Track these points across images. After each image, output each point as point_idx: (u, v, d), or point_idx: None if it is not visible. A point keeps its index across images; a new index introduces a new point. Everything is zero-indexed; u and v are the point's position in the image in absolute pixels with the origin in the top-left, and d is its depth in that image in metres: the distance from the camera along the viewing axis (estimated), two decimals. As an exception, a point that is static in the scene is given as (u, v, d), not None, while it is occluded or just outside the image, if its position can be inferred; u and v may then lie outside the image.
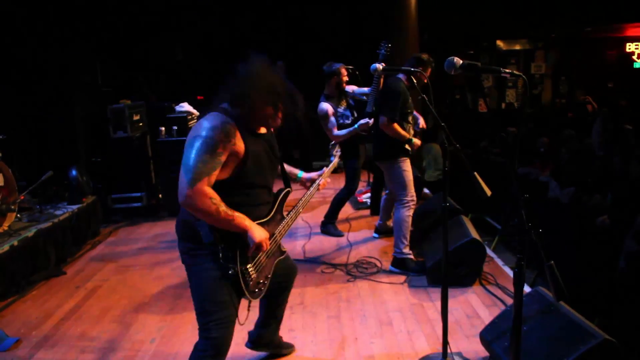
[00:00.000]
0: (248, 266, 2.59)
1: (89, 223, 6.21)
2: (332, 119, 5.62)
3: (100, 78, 7.93)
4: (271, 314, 3.31)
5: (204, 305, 2.57)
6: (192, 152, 2.32)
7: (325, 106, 5.65)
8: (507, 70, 2.26)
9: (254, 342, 3.41)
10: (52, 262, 5.26)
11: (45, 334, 4.02)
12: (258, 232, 2.55)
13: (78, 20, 7.49)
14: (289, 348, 3.60)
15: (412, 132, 5.05)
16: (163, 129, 7.17)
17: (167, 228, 6.76)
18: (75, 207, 5.96)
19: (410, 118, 5.00)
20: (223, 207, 2.40)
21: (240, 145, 2.45)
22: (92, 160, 7.28)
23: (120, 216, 7.21)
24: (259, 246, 2.56)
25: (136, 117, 7.30)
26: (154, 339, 3.89)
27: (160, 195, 7.56)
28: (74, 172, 6.17)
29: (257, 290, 2.69)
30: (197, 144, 2.33)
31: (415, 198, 4.97)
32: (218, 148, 2.36)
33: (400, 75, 4.88)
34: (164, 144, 7.15)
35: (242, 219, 2.50)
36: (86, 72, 7.56)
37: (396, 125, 4.76)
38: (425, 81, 4.76)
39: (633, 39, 15.39)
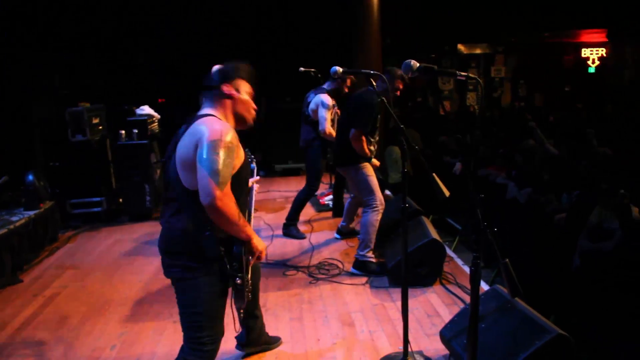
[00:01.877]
0: (248, 275, 2.60)
1: (46, 229, 6.08)
2: (328, 114, 5.65)
3: (58, 80, 7.78)
4: (252, 315, 3.35)
5: (200, 320, 2.55)
6: (214, 155, 2.30)
7: (329, 100, 5.71)
8: (463, 74, 2.30)
9: (242, 344, 3.52)
10: (8, 270, 5.12)
11: (0, 344, 3.93)
12: (259, 241, 2.60)
13: (35, 21, 7.35)
14: (276, 342, 3.69)
15: (374, 148, 5.10)
16: (123, 132, 7.08)
17: (128, 233, 6.66)
18: (32, 212, 5.82)
19: (376, 134, 5.05)
20: (240, 213, 2.43)
21: (240, 147, 2.49)
22: (50, 165, 7.13)
23: (79, 221, 7.07)
24: (259, 256, 2.61)
25: (95, 120, 7.19)
26: (114, 346, 3.83)
27: (120, 200, 7.44)
28: (30, 177, 6.03)
29: (249, 297, 2.69)
30: (220, 147, 2.32)
31: (383, 202, 5.00)
32: (234, 152, 2.39)
33: (370, 88, 4.94)
34: (125, 148, 7.05)
35: (250, 227, 2.54)
36: (43, 74, 7.41)
37: (364, 139, 4.81)
38: (398, 94, 4.84)
39: (588, 45, 15.83)
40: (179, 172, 2.41)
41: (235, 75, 2.57)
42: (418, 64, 2.37)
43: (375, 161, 5.07)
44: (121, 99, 8.57)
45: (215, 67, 2.60)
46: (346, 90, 5.83)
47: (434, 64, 2.40)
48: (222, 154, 2.31)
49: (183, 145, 2.39)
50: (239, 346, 3.52)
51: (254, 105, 2.65)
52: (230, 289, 2.63)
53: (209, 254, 2.44)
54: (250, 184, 2.95)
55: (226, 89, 2.53)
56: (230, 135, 2.37)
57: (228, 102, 2.54)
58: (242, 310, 2.74)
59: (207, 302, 2.53)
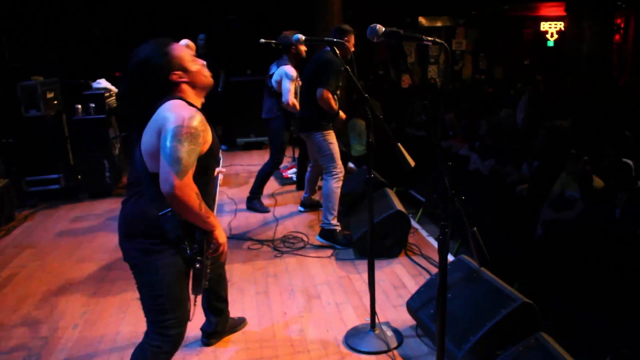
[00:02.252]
0: (208, 261, 2.51)
1: (1, 208, 5.88)
2: (292, 86, 5.57)
3: (8, 53, 7.47)
4: (219, 299, 3.28)
5: (162, 302, 2.46)
6: (176, 142, 2.19)
7: (293, 71, 5.62)
8: (429, 39, 2.26)
9: (211, 334, 3.40)
10: (-38, 249, 4.97)
11: (-44, 325, 3.80)
12: (222, 234, 2.50)
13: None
14: (242, 323, 3.62)
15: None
16: (80, 106, 6.87)
17: (88, 210, 6.51)
18: (-15, 190, 5.64)
19: (338, 92, 4.99)
20: (202, 203, 2.32)
21: (208, 132, 2.36)
22: (3, 142, 6.88)
23: (36, 199, 6.85)
24: (219, 248, 2.51)
25: (50, 95, 6.95)
26: (76, 325, 3.75)
27: (79, 177, 7.25)
28: (-18, 154, 5.83)
29: (206, 284, 2.61)
30: (182, 133, 2.20)
31: (343, 170, 4.98)
32: (199, 138, 2.27)
33: (327, 48, 4.87)
34: (82, 123, 6.84)
35: (213, 217, 2.43)
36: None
37: (331, 97, 4.76)
38: (352, 49, 4.78)
39: (547, 19, 16.02)
40: (143, 157, 2.31)
41: (168, 59, 2.35)
42: (384, 28, 2.32)
43: (342, 114, 5.03)
44: (77, 72, 8.31)
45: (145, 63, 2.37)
46: (304, 54, 5.74)
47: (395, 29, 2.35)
48: (184, 141, 2.21)
49: (148, 131, 2.29)
50: (204, 338, 3.40)
51: (201, 67, 2.47)
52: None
53: (169, 234, 2.35)
54: (215, 173, 2.86)
55: (175, 77, 2.36)
56: (195, 121, 2.25)
57: (184, 86, 2.40)
58: (195, 300, 2.66)
59: (169, 284, 2.44)
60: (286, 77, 5.59)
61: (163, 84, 2.35)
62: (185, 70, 2.38)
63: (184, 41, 5.94)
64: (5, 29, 7.49)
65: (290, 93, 5.58)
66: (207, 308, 3.31)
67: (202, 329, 3.42)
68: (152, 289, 2.45)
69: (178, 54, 2.37)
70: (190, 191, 2.24)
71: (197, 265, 2.43)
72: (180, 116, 2.23)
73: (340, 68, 4.69)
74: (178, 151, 2.19)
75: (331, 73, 4.72)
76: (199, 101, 2.46)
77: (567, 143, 5.61)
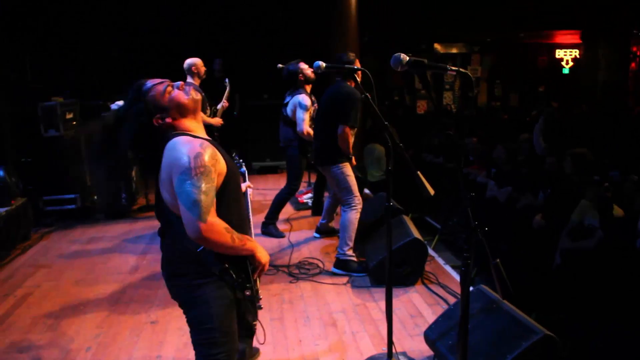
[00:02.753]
0: (257, 286, 2.48)
1: (18, 226, 5.92)
2: (306, 116, 5.59)
3: (29, 74, 7.57)
4: (248, 327, 3.16)
5: (213, 336, 2.39)
6: (189, 186, 2.13)
7: (307, 100, 5.64)
8: (454, 68, 2.26)
9: None
10: (-22, 268, 4.98)
11: (-31, 346, 3.79)
12: (263, 253, 2.44)
13: (5, 13, 7.15)
14: (256, 354, 3.54)
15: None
16: (98, 128, 6.91)
17: (103, 231, 6.52)
18: (3, 209, 5.66)
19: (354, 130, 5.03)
20: (235, 234, 2.27)
21: (222, 162, 2.29)
22: (22, 161, 6.94)
23: (52, 219, 6.90)
24: (263, 268, 2.45)
25: (69, 116, 7.01)
26: (89, 348, 3.72)
27: (95, 197, 7.29)
28: (1, 173, 5.87)
29: (260, 306, 2.56)
30: (193, 174, 2.14)
31: (361, 200, 4.97)
32: (212, 174, 2.19)
33: (339, 79, 4.91)
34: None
35: (250, 241, 2.37)
36: (13, 67, 7.20)
37: (350, 134, 4.76)
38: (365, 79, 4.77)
39: (562, 46, 16.01)
40: (166, 201, 2.28)
41: (142, 110, 2.29)
42: (408, 58, 2.31)
43: (353, 160, 5.03)
44: (95, 93, 8.39)
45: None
46: (313, 76, 5.73)
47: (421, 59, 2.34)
48: (197, 181, 2.14)
49: (164, 177, 2.24)
50: None
51: (177, 93, 2.32)
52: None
53: (213, 268, 2.30)
54: (243, 189, 2.81)
55: (157, 121, 2.30)
56: (204, 158, 2.18)
57: (172, 124, 2.31)
58: (255, 323, 2.62)
59: (219, 316, 2.38)
60: (300, 107, 5.61)
61: (153, 132, 2.30)
62: (163, 109, 2.29)
63: (191, 60, 6.03)
64: (27, 52, 7.60)
65: (305, 123, 5.61)
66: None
67: None
68: (202, 322, 2.38)
69: (150, 97, 2.29)
70: (218, 229, 2.18)
71: (247, 293, 2.39)
72: (187, 157, 2.16)
73: (360, 100, 4.71)
74: (193, 194, 2.13)
75: (352, 108, 4.72)
76: (195, 124, 2.37)
77: (590, 170, 5.56)
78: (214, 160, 2.22)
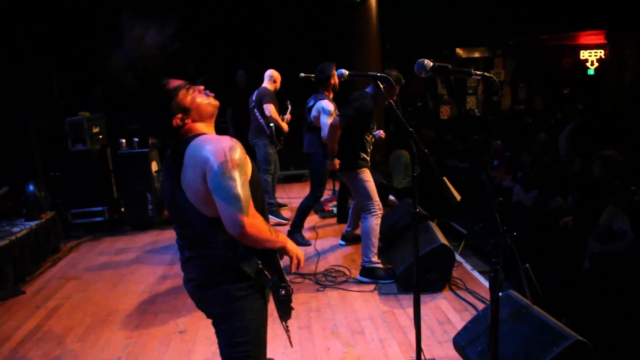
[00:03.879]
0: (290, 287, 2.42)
1: (48, 239, 6.01)
2: (330, 120, 5.61)
3: (57, 90, 7.72)
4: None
5: (247, 350, 2.35)
6: (227, 180, 2.08)
7: (330, 105, 5.64)
8: (478, 72, 2.24)
9: None
10: (10, 282, 5.06)
11: (3, 358, 3.86)
12: (294, 245, 2.44)
13: (32, 30, 7.29)
14: None
15: (370, 148, 5.08)
16: (124, 141, 7.02)
17: (130, 242, 6.60)
18: (33, 223, 5.76)
19: (371, 138, 5.07)
20: (270, 226, 2.25)
21: (248, 160, 2.26)
22: (51, 175, 7.07)
23: (81, 231, 7.01)
24: (299, 262, 2.45)
25: (95, 130, 7.13)
26: (119, 358, 3.76)
27: (122, 209, 7.39)
28: (31, 187, 5.97)
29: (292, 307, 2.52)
30: (229, 168, 2.10)
31: (381, 206, 4.96)
32: (245, 167, 2.17)
33: (369, 90, 4.92)
34: (125, 157, 6.99)
35: (280, 233, 2.35)
36: (41, 84, 7.34)
37: (338, 130, 4.83)
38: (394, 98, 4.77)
39: (587, 47, 15.83)
40: (195, 205, 2.20)
41: (165, 108, 2.26)
42: (432, 63, 2.30)
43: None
44: (121, 108, 8.50)
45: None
46: (338, 85, 5.75)
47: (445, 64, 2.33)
48: (234, 174, 2.10)
49: (190, 179, 2.17)
50: None
51: (201, 98, 2.33)
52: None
53: (249, 270, 2.25)
54: None
55: (176, 122, 2.26)
56: (237, 152, 2.15)
57: (192, 125, 2.29)
58: (288, 325, 2.60)
59: (254, 329, 2.35)
60: (323, 112, 5.61)
61: (170, 131, 2.27)
62: (184, 110, 2.26)
63: (270, 71, 6.58)
64: (53, 68, 7.74)
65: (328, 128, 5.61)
66: None
67: None
68: (236, 335, 2.33)
69: (172, 96, 2.26)
70: (259, 222, 2.15)
71: (282, 292, 2.34)
72: (220, 151, 2.12)
73: (371, 110, 4.75)
74: (233, 188, 2.08)
75: (356, 114, 4.79)
76: (210, 130, 2.35)
77: (620, 172, 5.47)
78: (244, 155, 2.19)
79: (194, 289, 2.37)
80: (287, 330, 2.56)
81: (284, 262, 2.36)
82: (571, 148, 7.86)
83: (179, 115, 2.25)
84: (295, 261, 2.43)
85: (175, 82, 2.30)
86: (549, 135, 8.15)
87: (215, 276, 2.29)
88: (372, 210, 4.88)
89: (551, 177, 6.41)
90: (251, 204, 2.13)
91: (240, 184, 2.09)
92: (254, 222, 2.10)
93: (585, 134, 8.68)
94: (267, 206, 2.65)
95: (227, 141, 2.16)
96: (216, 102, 2.37)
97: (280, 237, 2.33)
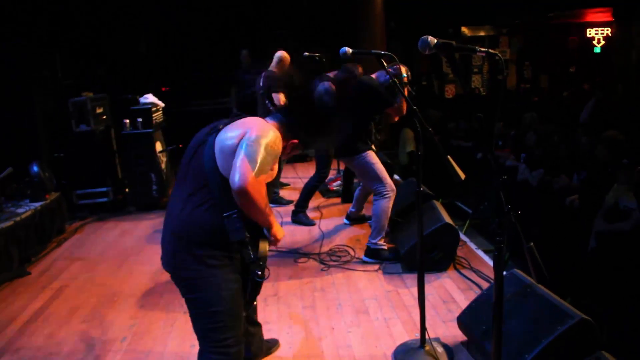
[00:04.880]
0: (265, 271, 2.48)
1: (53, 220, 6.02)
2: None
3: (60, 71, 7.68)
4: (253, 323, 3.13)
5: (222, 319, 2.39)
6: (259, 147, 2.25)
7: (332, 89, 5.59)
8: (483, 49, 2.21)
9: (248, 358, 3.14)
10: (16, 263, 5.07)
11: (9, 338, 3.87)
12: (279, 229, 2.51)
13: (36, 12, 7.25)
14: (275, 345, 3.51)
15: (374, 135, 5.06)
16: (127, 121, 6.99)
17: (135, 223, 6.61)
18: (38, 204, 5.76)
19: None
20: (267, 202, 2.35)
21: (276, 164, 2.42)
22: (55, 156, 7.06)
23: (86, 212, 7.00)
24: (276, 242, 2.52)
25: (99, 110, 7.10)
26: (125, 338, 3.78)
27: (126, 190, 7.39)
28: (35, 168, 5.96)
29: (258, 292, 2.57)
30: (265, 145, 2.28)
31: (393, 187, 4.87)
32: (276, 158, 2.34)
33: (376, 75, 4.86)
34: (129, 137, 6.97)
35: (273, 216, 2.45)
36: (45, 65, 7.30)
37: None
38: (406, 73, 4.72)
39: (593, 25, 15.62)
40: (217, 161, 2.31)
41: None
42: (435, 40, 2.26)
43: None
44: (125, 88, 8.49)
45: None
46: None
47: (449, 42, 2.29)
48: (264, 149, 2.25)
49: (228, 133, 2.32)
50: None
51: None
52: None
53: (234, 237, 2.29)
54: None
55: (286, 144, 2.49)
56: (274, 138, 2.33)
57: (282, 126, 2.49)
58: (255, 304, 2.62)
59: (230, 299, 2.38)
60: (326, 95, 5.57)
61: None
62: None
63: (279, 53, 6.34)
64: (58, 49, 7.70)
65: None
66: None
67: None
68: (210, 304, 2.36)
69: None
70: (261, 188, 2.25)
71: (258, 273, 2.37)
72: (266, 130, 2.32)
73: (380, 89, 4.70)
74: (258, 153, 2.22)
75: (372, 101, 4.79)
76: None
77: (623, 153, 5.43)
78: (279, 151, 2.37)
79: (170, 243, 2.42)
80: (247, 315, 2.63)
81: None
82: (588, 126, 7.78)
83: (287, 145, 2.51)
84: (273, 242, 2.50)
85: None
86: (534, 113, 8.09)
87: (198, 235, 2.33)
88: (384, 192, 4.80)
89: (561, 155, 6.36)
90: (262, 177, 2.24)
91: (264, 157, 2.24)
92: (257, 185, 2.21)
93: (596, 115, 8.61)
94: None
95: (275, 132, 2.37)
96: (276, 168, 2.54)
97: (272, 216, 2.41)
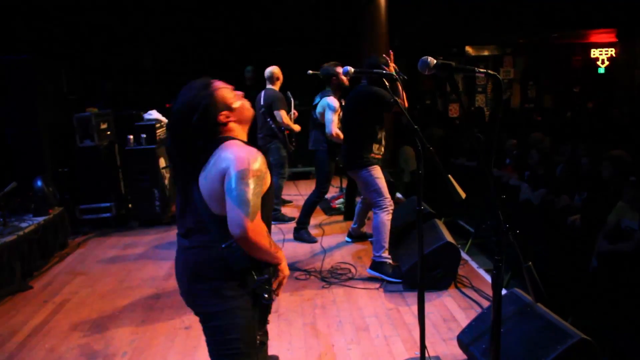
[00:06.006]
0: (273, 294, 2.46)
1: (56, 235, 6.04)
2: (335, 117, 5.60)
3: (65, 86, 7.75)
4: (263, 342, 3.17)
5: (237, 347, 2.38)
6: (243, 186, 2.17)
7: (335, 102, 5.66)
8: (482, 70, 2.22)
9: None
10: (18, 277, 5.08)
11: (10, 353, 3.88)
12: (286, 267, 2.48)
13: (42, 26, 7.33)
14: None
15: (383, 142, 5.07)
16: (131, 137, 7.04)
17: (137, 238, 6.62)
18: (41, 218, 5.78)
19: (383, 132, 5.05)
20: (271, 239, 2.32)
21: (268, 173, 2.34)
22: (59, 171, 7.10)
23: (89, 227, 7.03)
24: (282, 281, 2.48)
25: (103, 126, 7.16)
26: (125, 353, 3.78)
27: (130, 205, 7.42)
28: (39, 183, 5.99)
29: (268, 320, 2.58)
30: (248, 176, 2.19)
31: (392, 202, 4.94)
32: (263, 179, 2.26)
33: (364, 82, 4.90)
34: (133, 153, 7.02)
35: (280, 250, 2.41)
36: (50, 79, 7.37)
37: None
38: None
39: (597, 45, 15.71)
40: (206, 201, 2.27)
41: (214, 101, 2.31)
42: (435, 61, 2.28)
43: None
44: (129, 104, 8.55)
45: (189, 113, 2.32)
46: (346, 83, 5.71)
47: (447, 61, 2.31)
48: (251, 183, 2.19)
49: (208, 176, 2.25)
50: None
51: (243, 102, 2.43)
52: None
53: (236, 265, 2.28)
54: None
55: (222, 118, 2.32)
56: (259, 163, 2.23)
57: (231, 124, 2.36)
58: (260, 333, 2.62)
59: (245, 327, 2.38)
60: (329, 109, 5.62)
61: (212, 125, 2.30)
62: (230, 109, 2.33)
63: (271, 68, 6.51)
64: (63, 64, 7.77)
65: (333, 124, 5.60)
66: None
67: None
68: (227, 332, 2.36)
69: (221, 94, 2.32)
70: (261, 231, 2.22)
71: (265, 296, 2.36)
72: (244, 159, 2.20)
73: (386, 97, 4.69)
74: (246, 194, 2.16)
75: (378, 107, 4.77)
76: (245, 135, 2.43)
77: (628, 172, 5.43)
78: (265, 167, 2.28)
79: (184, 280, 2.42)
80: (261, 339, 2.58)
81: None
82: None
83: (225, 112, 2.32)
84: (281, 281, 2.47)
85: (219, 82, 2.38)
86: (544, 134, 8.08)
87: (207, 269, 2.33)
88: (383, 206, 4.87)
89: (563, 176, 6.36)
90: (259, 214, 2.20)
91: (252, 192, 2.18)
92: (256, 229, 2.18)
93: (593, 134, 8.64)
94: (271, 213, 2.69)
95: (252, 151, 2.26)
96: (253, 112, 2.49)
97: (279, 254, 2.38)
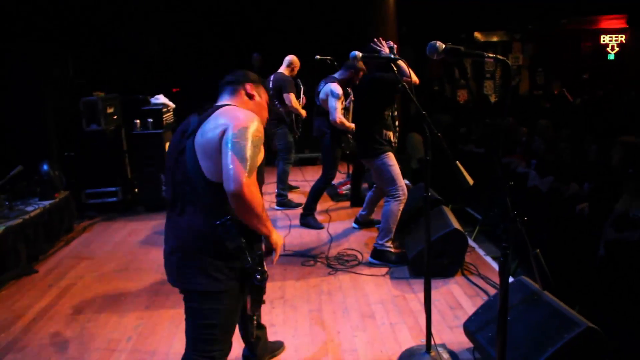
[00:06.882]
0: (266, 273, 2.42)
1: (62, 219, 6.05)
2: (339, 104, 5.55)
3: (72, 70, 7.72)
4: (260, 325, 3.11)
5: (214, 333, 2.37)
6: (244, 141, 2.17)
7: (338, 89, 5.61)
8: (491, 55, 2.19)
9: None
10: (23, 261, 5.09)
11: (15, 336, 3.88)
12: (278, 236, 2.45)
13: (48, 11, 7.29)
14: (280, 347, 3.49)
15: (397, 128, 5.01)
16: (138, 121, 7.03)
17: (144, 223, 6.62)
18: (47, 202, 5.78)
19: (396, 120, 5.01)
20: (264, 207, 2.28)
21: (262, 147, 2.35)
22: (65, 155, 7.09)
23: (94, 212, 7.04)
24: (274, 251, 2.45)
25: (110, 110, 7.13)
26: (130, 338, 3.78)
27: (136, 190, 7.41)
28: (45, 167, 5.99)
29: (263, 300, 2.54)
30: (248, 135, 2.19)
31: (406, 191, 4.85)
32: (260, 144, 2.27)
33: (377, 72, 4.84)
34: (139, 137, 7.01)
35: (270, 222, 2.37)
36: (57, 64, 7.35)
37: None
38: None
39: (607, 31, 15.54)
40: (201, 163, 2.24)
41: (259, 81, 2.57)
42: (444, 45, 2.25)
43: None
44: (136, 88, 8.52)
45: (238, 71, 2.58)
46: (357, 82, 5.64)
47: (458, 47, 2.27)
48: (251, 142, 2.18)
49: (207, 132, 2.23)
50: None
51: (267, 115, 2.63)
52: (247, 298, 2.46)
53: (231, 244, 2.24)
54: None
55: (250, 87, 2.50)
56: (256, 126, 2.25)
57: (247, 100, 2.49)
58: (255, 318, 2.60)
59: (226, 314, 2.36)
60: (332, 96, 5.56)
61: (238, 81, 2.51)
62: (258, 95, 2.55)
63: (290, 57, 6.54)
64: (70, 48, 7.74)
65: (337, 111, 5.55)
66: (244, 335, 3.07)
67: (243, 355, 3.27)
68: (206, 317, 2.35)
69: (264, 86, 2.61)
70: (256, 190, 2.19)
71: (257, 277, 2.33)
72: (243, 118, 2.24)
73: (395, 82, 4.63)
74: (245, 148, 2.15)
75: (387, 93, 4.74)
76: None
77: (637, 160, 5.38)
78: (262, 136, 2.29)
79: (172, 253, 2.39)
80: (252, 324, 2.60)
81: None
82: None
83: (254, 91, 2.54)
84: (277, 253, 2.46)
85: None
86: (550, 122, 8.01)
87: (195, 243, 2.30)
88: (396, 195, 4.80)
89: (567, 163, 6.31)
90: (255, 173, 2.18)
91: (251, 150, 2.17)
92: (252, 187, 2.15)
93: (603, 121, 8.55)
94: (277, 198, 2.69)
95: (251, 115, 2.29)
96: (266, 116, 2.65)
97: (270, 224, 2.35)
